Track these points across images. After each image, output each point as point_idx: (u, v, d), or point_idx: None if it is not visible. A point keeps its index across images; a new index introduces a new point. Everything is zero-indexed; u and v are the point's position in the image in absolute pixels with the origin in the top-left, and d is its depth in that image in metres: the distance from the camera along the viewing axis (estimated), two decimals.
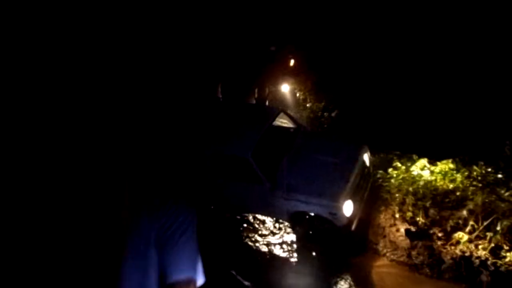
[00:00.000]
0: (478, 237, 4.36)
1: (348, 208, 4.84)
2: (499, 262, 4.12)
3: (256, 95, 8.22)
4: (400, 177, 5.05)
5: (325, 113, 7.83)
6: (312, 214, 4.94)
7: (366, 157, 5.44)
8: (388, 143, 5.83)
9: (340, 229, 4.88)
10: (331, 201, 4.82)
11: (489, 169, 4.59)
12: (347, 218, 4.85)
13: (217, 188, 5.41)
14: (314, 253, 5.16)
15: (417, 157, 5.09)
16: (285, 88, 8.61)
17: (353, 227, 4.98)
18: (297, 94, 8.61)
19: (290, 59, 9.17)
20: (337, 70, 8.21)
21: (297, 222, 5.15)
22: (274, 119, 5.71)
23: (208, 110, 6.25)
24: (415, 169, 4.99)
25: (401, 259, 4.73)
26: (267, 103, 8.18)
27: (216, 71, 8.23)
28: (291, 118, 6.11)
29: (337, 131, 7.21)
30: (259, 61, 8.41)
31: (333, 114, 7.71)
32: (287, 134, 5.82)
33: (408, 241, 4.72)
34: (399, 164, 5.21)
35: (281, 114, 5.95)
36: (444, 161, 4.84)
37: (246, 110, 6.41)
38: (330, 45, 8.80)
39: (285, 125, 6.16)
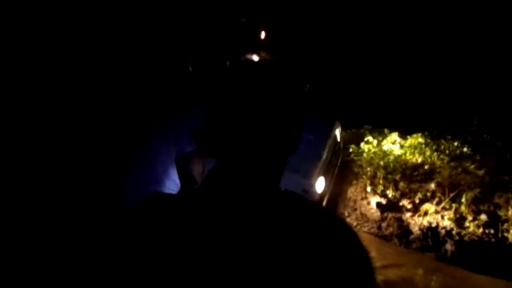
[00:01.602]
0: (444, 209, 4.53)
1: (320, 185, 4.87)
2: (463, 232, 4.30)
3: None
4: (372, 151, 5.13)
5: None
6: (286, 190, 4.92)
7: (337, 133, 5.46)
8: (359, 118, 5.87)
9: None
10: (304, 178, 4.81)
11: (456, 143, 4.72)
12: (319, 194, 4.88)
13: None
14: None
15: (388, 131, 5.16)
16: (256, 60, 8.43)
17: (324, 203, 5.03)
18: None
19: (261, 31, 8.96)
20: (309, 45, 8.12)
21: None
22: None
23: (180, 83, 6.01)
24: (386, 143, 5.06)
25: (372, 230, 4.85)
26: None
27: (185, 43, 7.91)
28: None
29: (308, 106, 7.16)
30: (230, 34, 8.14)
31: (305, 89, 7.68)
32: None
33: (378, 213, 4.84)
34: (370, 139, 5.27)
35: None
36: (414, 135, 4.93)
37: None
38: (301, 19, 8.65)
39: None
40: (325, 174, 4.94)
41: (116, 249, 0.71)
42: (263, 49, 8.73)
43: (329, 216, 0.73)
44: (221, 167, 0.75)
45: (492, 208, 4.24)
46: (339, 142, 5.51)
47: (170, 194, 0.77)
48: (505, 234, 4.07)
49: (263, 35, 9.00)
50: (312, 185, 4.75)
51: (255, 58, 8.50)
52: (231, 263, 0.65)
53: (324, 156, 4.98)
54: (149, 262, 0.66)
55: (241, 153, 0.72)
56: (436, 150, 4.79)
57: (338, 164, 5.44)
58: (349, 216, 5.11)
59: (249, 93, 0.73)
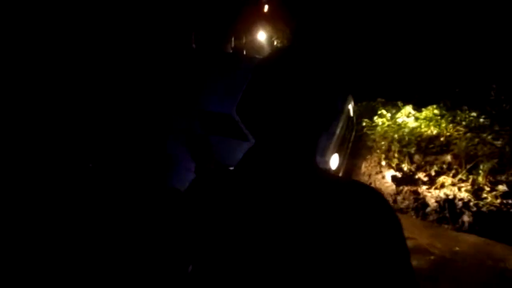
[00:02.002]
0: (461, 180, 4.48)
1: (334, 161, 4.82)
2: (481, 203, 4.27)
3: (232, 44, 7.85)
4: (386, 124, 5.05)
5: None
6: None
7: (350, 108, 5.37)
8: (372, 91, 5.76)
9: None
10: (318, 155, 4.77)
11: (473, 114, 4.62)
12: (333, 171, 4.84)
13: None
14: None
15: (402, 104, 5.06)
16: (262, 37, 8.26)
17: None
18: (275, 43, 8.29)
19: (265, 4, 8.73)
20: (317, 17, 7.90)
21: None
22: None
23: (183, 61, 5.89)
24: (400, 116, 4.98)
25: None
26: (244, 52, 7.86)
27: (188, 19, 7.72)
28: None
29: (340, 87, 7.03)
30: (234, 8, 7.94)
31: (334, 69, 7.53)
32: None
33: (394, 187, 4.82)
34: (384, 112, 5.18)
35: None
36: (429, 107, 4.84)
37: (224, 61, 6.10)
38: None
39: None
40: (339, 150, 4.90)
41: (190, 214, 0.86)
42: (268, 24, 8.53)
43: (360, 186, 0.82)
44: (261, 147, 0.83)
45: (510, 178, 4.19)
46: (352, 117, 5.44)
47: (220, 171, 0.89)
48: None
49: (266, 8, 8.78)
50: (326, 162, 4.71)
51: (261, 32, 8.32)
52: (280, 229, 0.76)
53: (338, 132, 4.92)
54: (216, 227, 0.80)
55: (280, 133, 0.79)
56: (452, 121, 4.71)
57: (352, 139, 5.38)
58: None
59: (285, 79, 0.79)
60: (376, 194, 0.82)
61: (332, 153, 4.75)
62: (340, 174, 4.98)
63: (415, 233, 4.37)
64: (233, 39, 7.82)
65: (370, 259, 0.75)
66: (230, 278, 0.79)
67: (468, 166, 4.47)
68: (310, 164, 0.82)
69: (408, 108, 4.97)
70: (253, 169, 0.83)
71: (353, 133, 5.44)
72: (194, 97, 5.06)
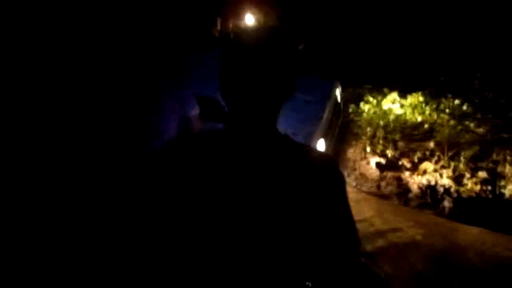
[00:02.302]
0: (443, 167, 4.58)
1: (320, 147, 4.85)
2: (461, 189, 4.38)
3: (219, 28, 7.70)
4: (372, 111, 5.09)
5: None
6: None
7: (338, 93, 5.37)
8: (359, 77, 5.78)
9: None
10: (304, 140, 4.78)
11: (457, 101, 4.70)
12: None
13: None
14: None
15: (388, 90, 5.10)
16: (249, 20, 8.14)
17: None
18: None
19: None
20: (303, 1, 7.83)
21: None
22: None
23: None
24: (386, 102, 5.02)
25: (371, 190, 4.92)
26: (231, 36, 7.74)
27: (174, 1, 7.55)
28: None
29: (304, 65, 7.03)
30: None
31: (299, 47, 7.49)
32: None
33: (378, 173, 4.89)
34: (370, 98, 5.22)
35: None
36: (414, 94, 4.89)
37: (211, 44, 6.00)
38: None
39: None
40: (326, 135, 4.91)
41: (166, 173, 0.96)
42: (255, 7, 8.42)
43: (313, 149, 1.03)
44: (234, 114, 0.97)
45: (490, 165, 4.30)
46: (340, 103, 5.45)
47: (195, 134, 1.05)
48: (502, 191, 4.16)
49: None
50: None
51: (248, 15, 8.20)
52: (245, 184, 0.90)
53: (325, 117, 4.92)
54: (191, 184, 0.93)
55: (248, 103, 0.93)
56: (436, 108, 4.78)
57: (339, 125, 5.41)
58: (348, 176, 5.16)
59: (252, 57, 0.91)
60: (327, 156, 1.00)
61: (319, 138, 4.77)
62: None
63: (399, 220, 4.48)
64: (219, 22, 7.67)
65: (320, 209, 0.92)
66: (199, 230, 0.92)
67: (450, 153, 4.56)
68: (273, 129, 0.98)
69: (394, 95, 5.01)
70: (223, 133, 0.98)
71: (340, 119, 5.47)
72: (178, 80, 4.99)
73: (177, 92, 3.46)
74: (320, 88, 5.21)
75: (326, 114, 4.95)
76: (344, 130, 5.56)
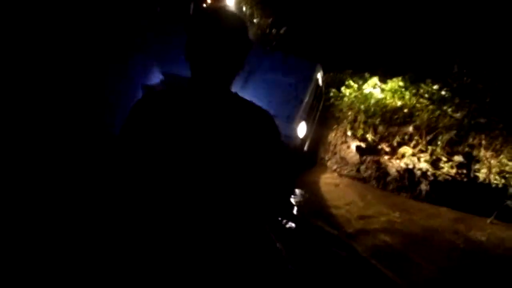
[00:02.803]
0: (421, 151, 4.66)
1: (302, 129, 4.84)
2: (438, 172, 4.48)
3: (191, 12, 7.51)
4: (353, 95, 5.11)
5: (273, 30, 7.48)
6: None
7: (319, 77, 5.36)
8: (340, 61, 5.77)
9: (292, 150, 4.91)
10: (286, 122, 4.76)
11: (435, 86, 4.76)
12: (301, 139, 4.87)
13: None
14: None
15: (369, 75, 5.12)
16: (230, 1, 7.98)
17: (306, 147, 5.05)
18: (244, 8, 8.02)
19: None
20: None
21: None
22: None
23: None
24: (367, 87, 5.04)
25: (351, 173, 4.98)
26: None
27: None
28: None
29: (286, 48, 6.97)
30: None
31: (281, 31, 7.39)
32: None
33: (358, 156, 4.94)
34: (351, 83, 5.23)
35: None
36: (395, 79, 4.93)
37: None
38: None
39: None
40: (307, 118, 4.91)
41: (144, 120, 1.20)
42: None
43: (253, 104, 1.31)
44: (197, 76, 1.19)
45: (466, 149, 4.41)
46: (321, 86, 5.44)
47: (163, 90, 1.29)
48: (477, 174, 4.28)
49: None
50: (294, 129, 4.72)
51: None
52: (206, 128, 1.18)
53: (306, 100, 4.91)
54: (163, 127, 1.18)
55: (210, 70, 1.16)
56: (416, 94, 4.83)
57: (320, 108, 5.42)
58: (329, 160, 5.21)
59: (213, 34, 1.13)
60: (263, 111, 1.31)
61: (300, 120, 4.76)
62: (307, 142, 5.03)
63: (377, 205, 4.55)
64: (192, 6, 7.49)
65: (263, 150, 1.25)
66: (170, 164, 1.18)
67: (428, 138, 4.64)
68: (227, 89, 1.23)
69: (375, 80, 5.04)
70: (184, 90, 1.23)
71: (321, 103, 5.47)
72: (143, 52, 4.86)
73: (142, 63, 3.58)
74: (302, 71, 5.18)
75: (307, 97, 4.93)
76: (325, 114, 5.57)
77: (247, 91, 4.91)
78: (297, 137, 4.76)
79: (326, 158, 5.24)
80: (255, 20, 7.81)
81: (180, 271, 1.18)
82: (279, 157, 1.32)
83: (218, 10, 1.21)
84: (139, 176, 1.21)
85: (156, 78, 4.52)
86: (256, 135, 1.24)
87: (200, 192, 1.18)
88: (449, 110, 4.55)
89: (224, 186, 1.20)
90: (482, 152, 4.38)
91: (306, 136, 4.94)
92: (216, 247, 1.20)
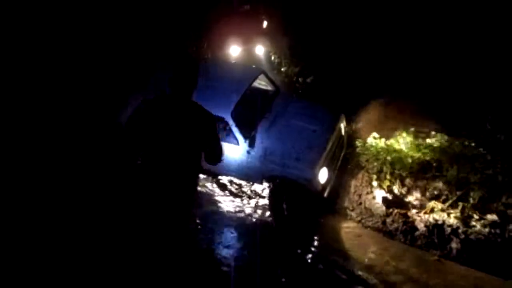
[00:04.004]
0: (451, 207, 4.49)
1: (323, 175, 4.79)
2: (469, 230, 4.27)
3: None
4: (379, 146, 5.06)
5: (300, 78, 7.65)
6: (287, 178, 4.81)
7: (342, 126, 5.40)
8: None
9: (313, 195, 4.83)
10: (308, 166, 4.73)
11: (466, 143, 4.68)
12: (321, 185, 4.81)
13: None
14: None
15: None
16: (260, 50, 8.28)
17: (326, 194, 4.96)
18: (272, 57, 8.31)
19: (264, 20, 8.81)
20: (313, 36, 8.00)
21: (271, 186, 4.99)
22: (255, 79, 5.46)
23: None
24: (395, 140, 5.02)
25: (376, 225, 4.80)
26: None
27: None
28: (270, 80, 5.86)
29: (312, 97, 7.08)
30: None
31: (308, 80, 7.55)
32: (266, 96, 5.60)
33: (383, 208, 4.79)
34: (376, 134, 5.23)
35: (261, 75, 5.70)
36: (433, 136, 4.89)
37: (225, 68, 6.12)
38: (305, 9, 8.54)
39: (263, 87, 5.92)
40: (328, 165, 4.88)
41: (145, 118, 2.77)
42: (266, 38, 8.61)
43: (201, 108, 2.76)
44: (174, 92, 2.69)
45: (500, 208, 4.22)
46: (343, 136, 5.45)
47: (156, 97, 2.81)
48: None
49: (265, 23, 8.86)
50: (315, 175, 4.68)
51: (259, 46, 8.35)
52: (179, 121, 2.68)
53: (328, 148, 4.91)
54: (157, 124, 2.70)
55: (181, 90, 2.68)
56: (446, 149, 4.74)
57: (341, 158, 5.38)
58: (353, 210, 5.05)
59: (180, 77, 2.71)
60: (208, 112, 2.75)
61: (321, 166, 4.72)
62: (328, 189, 4.95)
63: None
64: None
65: (205, 133, 2.74)
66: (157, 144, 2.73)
67: (458, 193, 4.49)
68: (190, 99, 2.71)
69: (404, 134, 5.01)
70: (168, 98, 2.71)
71: (343, 151, 5.45)
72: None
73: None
74: (327, 119, 5.25)
75: (330, 145, 4.94)
76: (349, 163, 5.51)
77: (272, 134, 4.98)
78: (317, 181, 4.71)
79: (350, 207, 5.10)
80: (282, 69, 8.03)
81: (165, 186, 2.74)
82: (214, 136, 2.77)
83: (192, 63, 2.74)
84: (142, 146, 2.82)
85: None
86: (202, 124, 2.69)
87: (173, 152, 2.68)
88: (480, 166, 4.42)
89: (185, 150, 2.69)
90: None
91: (327, 183, 4.89)
92: (180, 176, 2.75)
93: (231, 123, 4.86)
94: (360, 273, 4.19)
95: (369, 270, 4.22)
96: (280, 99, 5.56)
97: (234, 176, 5.43)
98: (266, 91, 5.81)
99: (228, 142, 4.82)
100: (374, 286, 4.01)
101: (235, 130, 4.88)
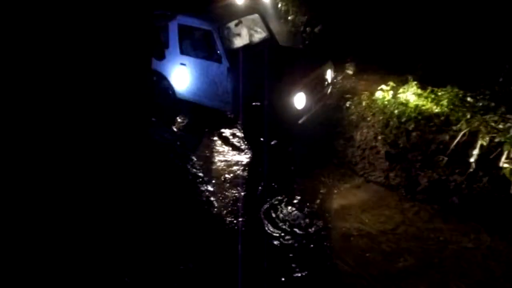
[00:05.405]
0: (456, 162, 4.38)
1: (299, 100, 5.02)
2: (473, 185, 4.19)
3: None
4: (386, 99, 4.89)
5: (307, 28, 7.32)
6: (265, 103, 5.02)
7: (328, 72, 5.61)
8: (376, 63, 5.55)
9: (288, 118, 5.04)
10: (287, 85, 5.03)
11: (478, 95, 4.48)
12: (298, 110, 5.05)
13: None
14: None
15: (410, 78, 4.92)
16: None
17: (301, 121, 5.19)
18: (279, 5, 7.91)
19: None
20: None
21: (248, 113, 5.21)
22: (248, 15, 5.84)
23: None
24: (403, 92, 4.83)
25: (379, 180, 4.76)
26: None
27: None
28: (265, 25, 6.02)
29: (320, 47, 6.81)
30: None
31: (316, 30, 7.22)
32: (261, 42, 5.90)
33: (387, 163, 4.71)
34: (385, 87, 5.02)
35: (256, 17, 5.92)
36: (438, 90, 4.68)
37: None
38: None
39: (258, 33, 5.92)
40: (306, 93, 5.08)
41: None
42: None
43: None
44: None
45: (507, 164, 4.09)
46: (329, 82, 5.70)
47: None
48: None
49: None
50: (291, 96, 4.95)
51: None
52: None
53: (310, 80, 5.19)
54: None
55: None
56: (454, 101, 4.55)
57: (323, 97, 5.62)
58: (356, 164, 4.99)
59: None
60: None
61: (299, 90, 5.01)
62: (304, 118, 5.21)
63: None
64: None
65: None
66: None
67: (465, 148, 4.35)
68: None
69: (412, 85, 4.81)
70: None
71: (327, 94, 5.72)
72: None
73: None
74: (312, 60, 5.67)
75: (311, 78, 5.25)
76: (356, 118, 5.37)
77: (256, 61, 5.37)
78: (293, 105, 4.98)
79: (354, 162, 5.04)
80: (289, 18, 7.67)
81: None
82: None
83: None
84: None
85: None
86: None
87: None
88: (491, 120, 4.23)
89: None
90: None
91: (303, 111, 5.11)
92: None
93: (216, 36, 5.12)
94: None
95: None
96: (272, 43, 5.98)
97: (212, 106, 5.64)
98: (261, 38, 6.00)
99: (212, 59, 5.22)
100: None
101: (219, 44, 5.14)
